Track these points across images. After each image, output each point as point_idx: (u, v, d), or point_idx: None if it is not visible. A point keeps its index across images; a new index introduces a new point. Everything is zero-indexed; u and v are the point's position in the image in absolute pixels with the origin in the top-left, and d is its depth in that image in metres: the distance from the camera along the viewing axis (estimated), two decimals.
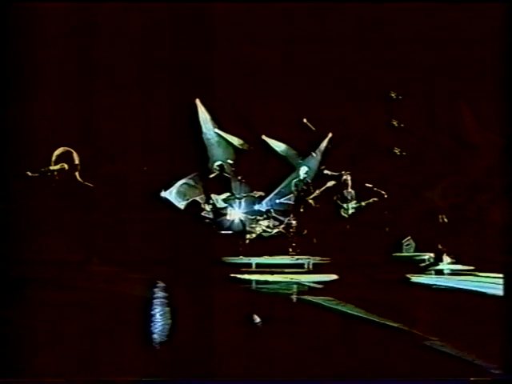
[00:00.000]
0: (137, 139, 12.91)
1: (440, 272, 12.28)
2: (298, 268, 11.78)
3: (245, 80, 12.73)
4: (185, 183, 13.58)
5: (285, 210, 13.90)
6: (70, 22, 11.83)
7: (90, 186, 12.76)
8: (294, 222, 13.46)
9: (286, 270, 11.45)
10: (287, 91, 13.03)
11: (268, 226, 13.71)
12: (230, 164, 13.41)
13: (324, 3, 11.20)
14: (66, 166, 12.60)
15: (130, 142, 12.89)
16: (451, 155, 13.21)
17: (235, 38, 11.85)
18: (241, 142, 13.74)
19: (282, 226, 13.52)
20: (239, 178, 13.02)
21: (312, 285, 10.01)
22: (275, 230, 13.55)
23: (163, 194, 13.31)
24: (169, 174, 13.25)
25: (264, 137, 13.93)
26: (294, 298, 9.11)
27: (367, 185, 13.45)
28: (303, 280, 10.58)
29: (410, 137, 13.38)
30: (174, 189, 13.50)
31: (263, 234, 13.35)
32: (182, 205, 13.42)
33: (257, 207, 13.60)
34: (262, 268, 11.61)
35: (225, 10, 11.44)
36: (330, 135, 14.01)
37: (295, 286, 10.26)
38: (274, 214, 13.96)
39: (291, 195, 13.62)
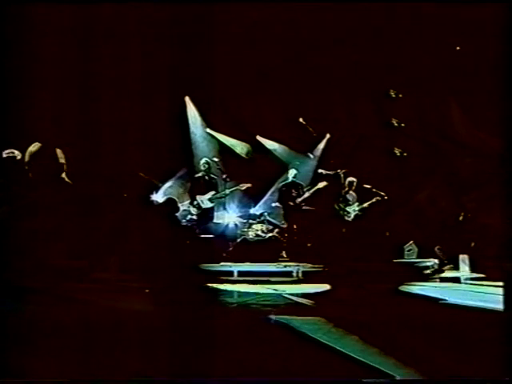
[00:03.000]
0: (127, 139, 11.48)
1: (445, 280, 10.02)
2: (286, 276, 9.32)
3: (240, 80, 11.65)
4: (172, 185, 11.90)
5: (277, 214, 12.02)
6: (64, 21, 10.62)
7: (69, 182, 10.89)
8: (283, 226, 11.52)
9: (273, 279, 8.98)
10: (282, 91, 11.85)
11: (262, 231, 11.80)
12: (215, 162, 11.35)
13: (320, 4, 10.32)
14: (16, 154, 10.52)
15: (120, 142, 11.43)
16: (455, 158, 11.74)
17: (232, 39, 11.04)
18: (237, 143, 12.36)
19: (275, 230, 11.58)
20: (224, 176, 10.83)
21: (297, 299, 7.50)
22: (269, 235, 11.58)
23: (154, 197, 11.71)
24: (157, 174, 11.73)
25: (259, 137, 12.55)
26: (271, 317, 6.53)
27: (366, 186, 11.63)
28: (289, 291, 8.08)
29: (408, 138, 12.07)
30: (161, 191, 11.81)
31: (251, 238, 11.23)
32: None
33: (242, 209, 11.87)
34: (245, 276, 9.16)
35: (223, 12, 10.58)
36: (328, 136, 12.61)
37: (277, 298, 7.74)
38: (267, 218, 12.16)
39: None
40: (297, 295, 7.83)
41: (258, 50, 11.26)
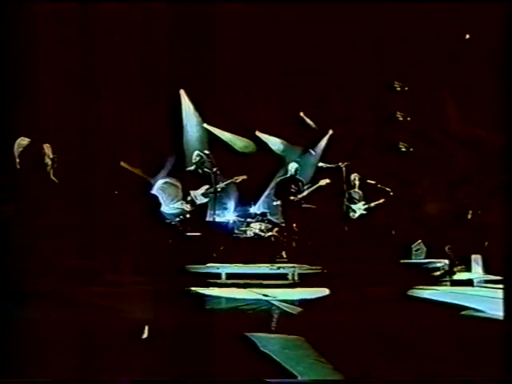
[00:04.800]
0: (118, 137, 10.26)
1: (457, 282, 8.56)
2: (281, 279, 7.74)
3: (239, 74, 10.49)
4: (166, 182, 10.53)
5: (276, 212, 10.63)
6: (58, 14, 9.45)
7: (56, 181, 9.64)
8: (283, 225, 10.06)
9: (265, 283, 7.39)
10: (282, 86, 10.73)
11: (261, 230, 10.53)
12: (208, 155, 9.94)
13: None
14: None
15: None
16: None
17: (232, 35, 9.95)
18: (235, 138, 11.20)
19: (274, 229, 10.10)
20: (214, 169, 9.35)
21: (287, 308, 5.90)
22: (269, 234, 10.23)
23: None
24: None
25: (258, 132, 11.30)
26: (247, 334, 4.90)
27: (370, 181, 10.27)
28: (280, 297, 6.50)
29: (413, 134, 10.91)
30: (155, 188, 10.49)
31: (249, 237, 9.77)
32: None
33: (239, 206, 10.48)
34: (234, 279, 7.58)
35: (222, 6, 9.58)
36: (331, 132, 11.39)
37: (266, 306, 6.15)
38: (268, 217, 10.76)
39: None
40: (290, 302, 6.24)
41: (258, 46, 10.26)
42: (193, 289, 6.89)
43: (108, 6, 9.48)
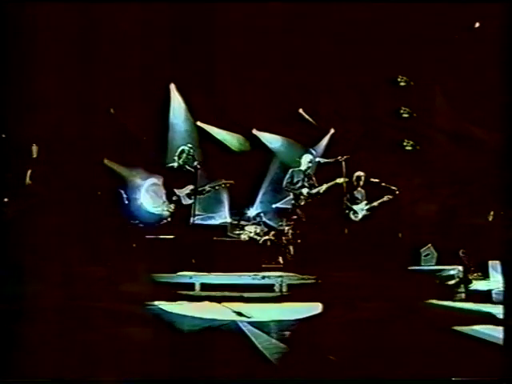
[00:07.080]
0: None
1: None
2: (266, 291, 6.00)
3: (238, 71, 9.88)
4: (154, 183, 9.63)
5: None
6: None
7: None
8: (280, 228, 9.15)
9: (246, 295, 5.65)
10: (281, 84, 10.12)
11: (256, 233, 9.62)
12: (191, 150, 8.45)
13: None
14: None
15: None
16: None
17: (232, 31, 9.31)
18: (229, 136, 10.69)
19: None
20: (195, 164, 7.76)
21: (255, 339, 4.10)
22: (265, 238, 9.39)
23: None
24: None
25: (255, 131, 10.73)
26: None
27: (373, 180, 9.07)
28: (258, 317, 4.74)
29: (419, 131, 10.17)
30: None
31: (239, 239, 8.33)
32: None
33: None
34: (209, 291, 5.86)
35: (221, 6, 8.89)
36: (332, 131, 10.81)
37: (234, 330, 4.37)
38: (263, 219, 10.12)
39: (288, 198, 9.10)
40: (266, 325, 4.47)
41: (257, 42, 9.53)
42: (155, 303, 5.16)
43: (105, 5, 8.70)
